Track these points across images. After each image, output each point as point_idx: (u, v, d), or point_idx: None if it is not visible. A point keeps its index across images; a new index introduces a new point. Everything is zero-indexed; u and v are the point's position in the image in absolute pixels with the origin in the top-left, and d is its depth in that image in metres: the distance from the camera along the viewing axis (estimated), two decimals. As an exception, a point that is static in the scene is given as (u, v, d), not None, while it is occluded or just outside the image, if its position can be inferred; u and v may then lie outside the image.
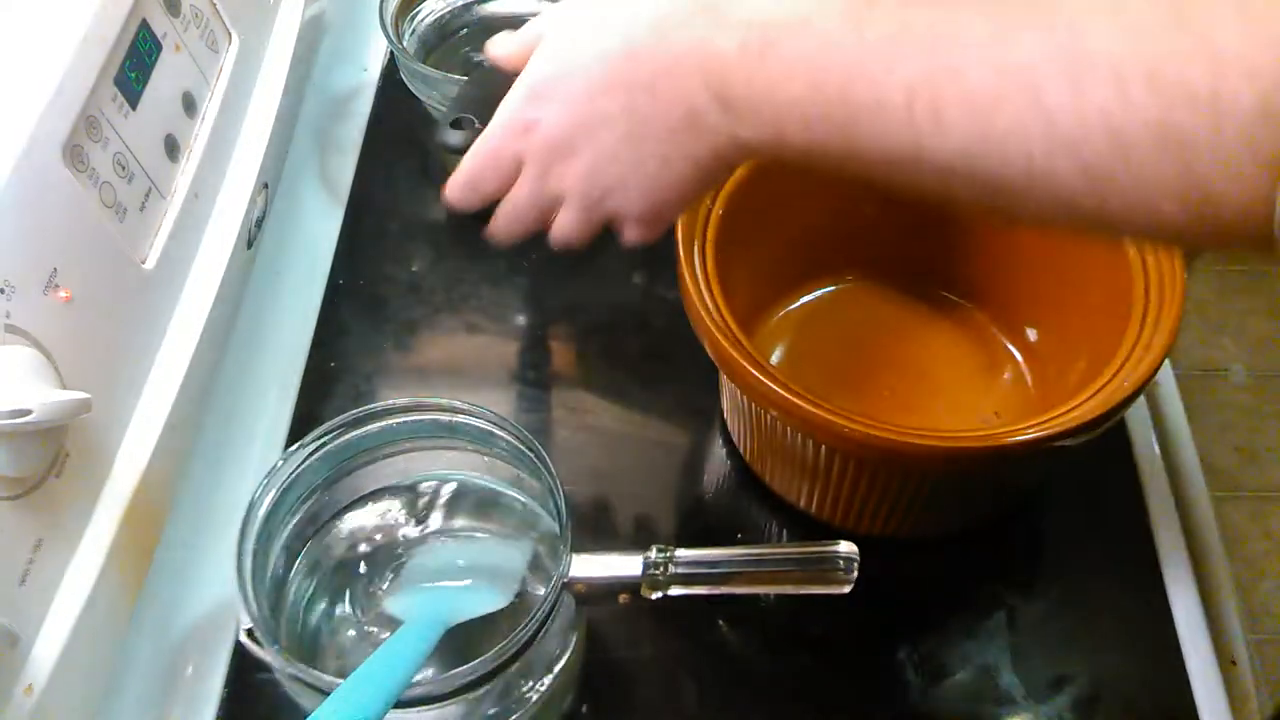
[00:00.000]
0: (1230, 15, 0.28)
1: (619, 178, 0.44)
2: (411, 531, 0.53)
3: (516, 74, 0.46)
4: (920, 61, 0.33)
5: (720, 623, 0.56)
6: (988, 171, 0.33)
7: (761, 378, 0.49)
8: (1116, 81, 0.29)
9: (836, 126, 0.36)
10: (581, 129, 0.43)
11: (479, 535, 0.53)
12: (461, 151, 0.48)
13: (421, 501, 0.53)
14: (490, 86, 0.48)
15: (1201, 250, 0.34)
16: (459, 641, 0.47)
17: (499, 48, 0.49)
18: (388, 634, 0.47)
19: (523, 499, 0.53)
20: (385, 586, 0.51)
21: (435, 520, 0.53)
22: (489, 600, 0.50)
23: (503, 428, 0.49)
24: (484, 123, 0.47)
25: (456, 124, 0.50)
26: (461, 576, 0.51)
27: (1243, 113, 0.27)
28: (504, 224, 0.48)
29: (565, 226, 0.47)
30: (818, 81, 0.36)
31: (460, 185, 0.48)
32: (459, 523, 0.53)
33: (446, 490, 0.54)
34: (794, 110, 0.37)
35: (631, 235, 0.47)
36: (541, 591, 0.49)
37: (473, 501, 0.54)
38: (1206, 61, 0.28)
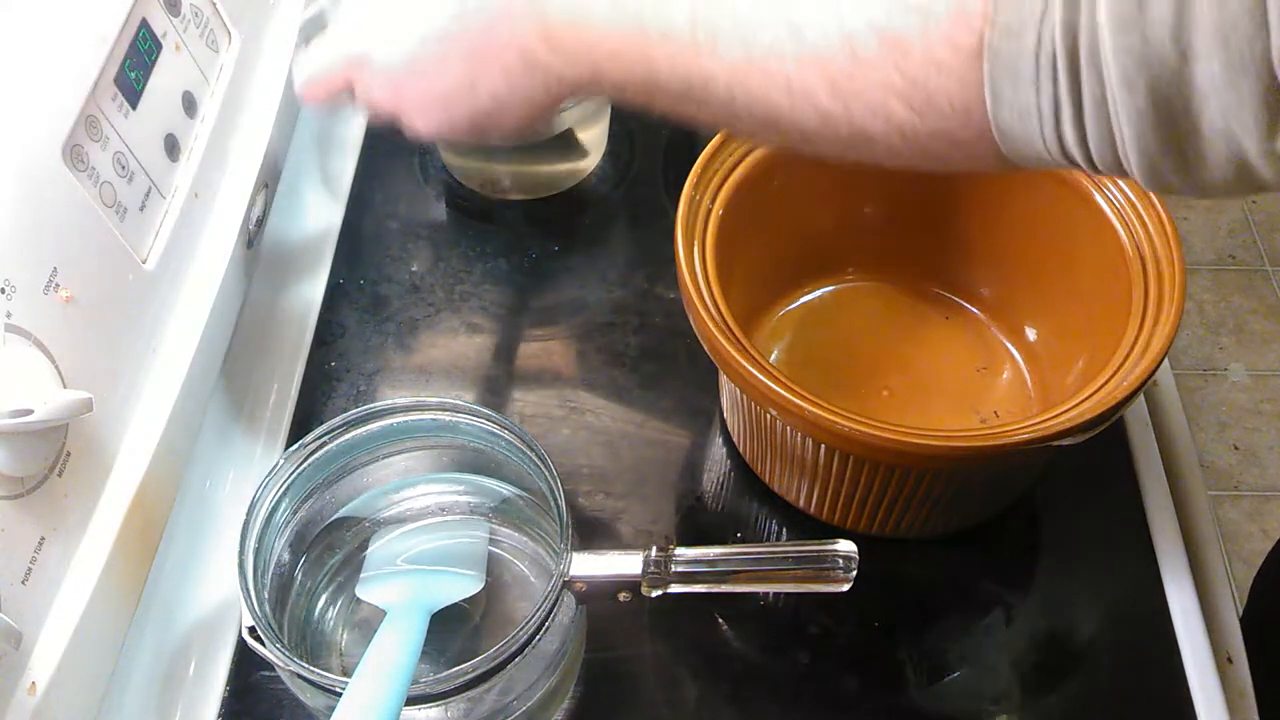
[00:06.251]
0: None
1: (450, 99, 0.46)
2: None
3: None
4: None
5: (720, 621, 0.56)
6: (761, 93, 0.38)
7: (761, 377, 0.49)
8: None
9: (639, 57, 0.40)
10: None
11: (435, 518, 0.54)
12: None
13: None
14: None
15: (960, 167, 0.39)
16: (435, 625, 0.48)
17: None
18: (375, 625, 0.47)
19: (523, 497, 0.53)
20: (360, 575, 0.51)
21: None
22: (464, 584, 0.51)
23: (503, 427, 0.49)
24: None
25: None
26: (427, 560, 0.52)
27: (941, 12, 0.33)
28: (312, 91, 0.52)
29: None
30: (619, 21, 0.41)
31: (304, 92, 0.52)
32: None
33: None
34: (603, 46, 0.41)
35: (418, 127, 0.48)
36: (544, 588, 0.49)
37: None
38: None
